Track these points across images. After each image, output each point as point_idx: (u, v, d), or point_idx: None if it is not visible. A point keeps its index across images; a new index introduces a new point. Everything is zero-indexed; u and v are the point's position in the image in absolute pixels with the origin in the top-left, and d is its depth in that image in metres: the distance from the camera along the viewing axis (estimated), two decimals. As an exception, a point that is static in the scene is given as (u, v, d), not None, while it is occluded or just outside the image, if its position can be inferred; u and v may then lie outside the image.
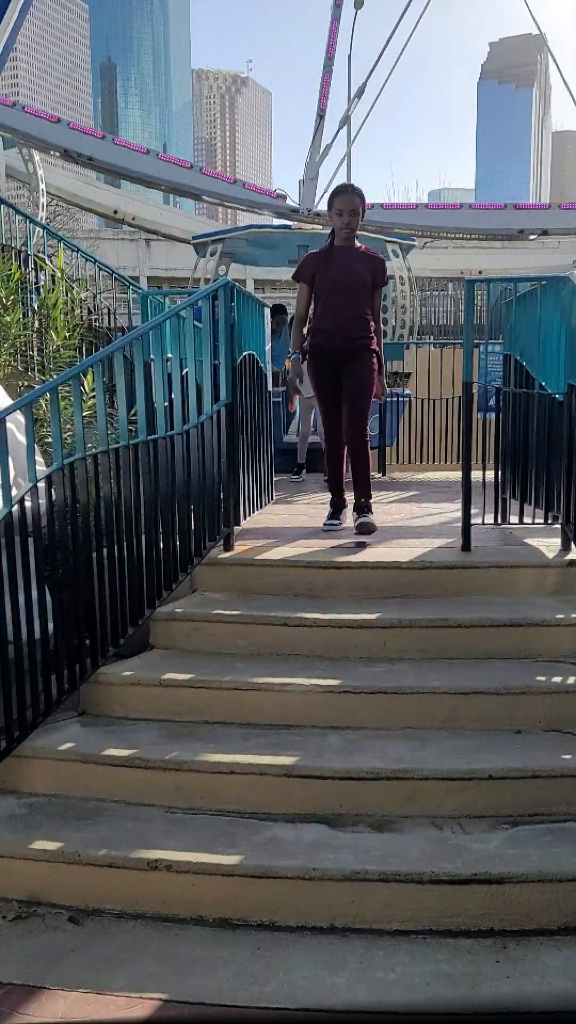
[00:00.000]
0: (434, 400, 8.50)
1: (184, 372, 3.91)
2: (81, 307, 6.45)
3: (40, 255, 6.89)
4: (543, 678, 3.44)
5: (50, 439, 3.76)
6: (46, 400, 3.86)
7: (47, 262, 6.57)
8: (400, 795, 3.04)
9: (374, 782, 3.05)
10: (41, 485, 3.26)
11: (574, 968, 2.54)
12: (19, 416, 3.42)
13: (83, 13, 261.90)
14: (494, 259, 17.67)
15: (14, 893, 2.89)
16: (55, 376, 5.69)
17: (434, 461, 8.22)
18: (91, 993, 2.49)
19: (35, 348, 5.82)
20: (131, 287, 7.71)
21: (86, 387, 4.33)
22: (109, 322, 7.64)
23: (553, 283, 4.26)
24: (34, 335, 5.76)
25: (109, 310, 7.97)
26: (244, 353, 4.43)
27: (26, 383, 5.91)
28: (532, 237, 12.02)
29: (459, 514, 5.20)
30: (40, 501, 3.25)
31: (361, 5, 18.02)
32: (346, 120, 12.21)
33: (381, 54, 11.81)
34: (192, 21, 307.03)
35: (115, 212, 17.94)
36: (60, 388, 3.32)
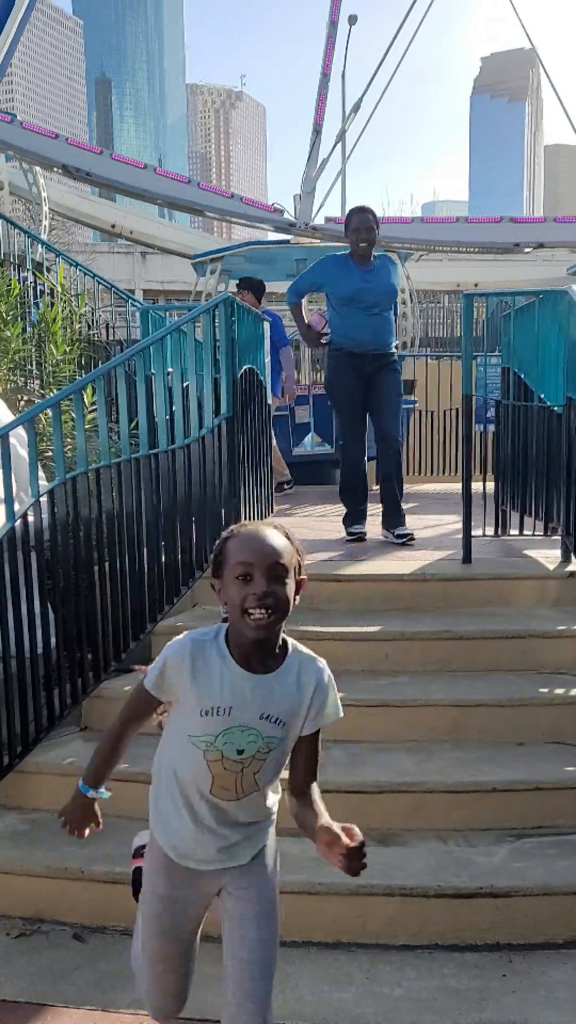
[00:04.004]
0: (431, 412, 8.53)
1: (185, 386, 3.93)
2: (80, 321, 6.48)
3: (38, 271, 6.92)
4: (545, 690, 3.45)
5: (49, 453, 3.78)
6: (46, 415, 3.88)
7: (47, 277, 6.60)
8: (405, 808, 3.04)
9: (378, 795, 3.05)
10: (43, 500, 3.26)
11: (580, 982, 2.54)
12: (21, 431, 3.43)
13: (77, 28, 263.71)
14: (490, 272, 17.77)
15: (18, 910, 2.88)
16: (54, 390, 5.73)
17: (432, 473, 8.24)
18: (97, 1010, 2.48)
19: (34, 362, 5.83)
20: (130, 301, 7.74)
21: (86, 401, 4.34)
22: (107, 336, 7.66)
23: (551, 296, 4.29)
24: (34, 349, 5.78)
25: (107, 324, 7.99)
26: (244, 367, 4.45)
27: (26, 398, 5.92)
28: (527, 250, 12.09)
29: (458, 526, 5.23)
30: (43, 516, 3.26)
31: (355, 21, 18.21)
32: (342, 135, 12.31)
33: (378, 69, 11.91)
34: (186, 36, 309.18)
35: (112, 226, 18.01)
36: (61, 403, 3.34)
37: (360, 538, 4.84)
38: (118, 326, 7.94)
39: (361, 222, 4.81)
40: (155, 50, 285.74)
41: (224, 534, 1.81)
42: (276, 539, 1.74)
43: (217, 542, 1.81)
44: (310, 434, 8.33)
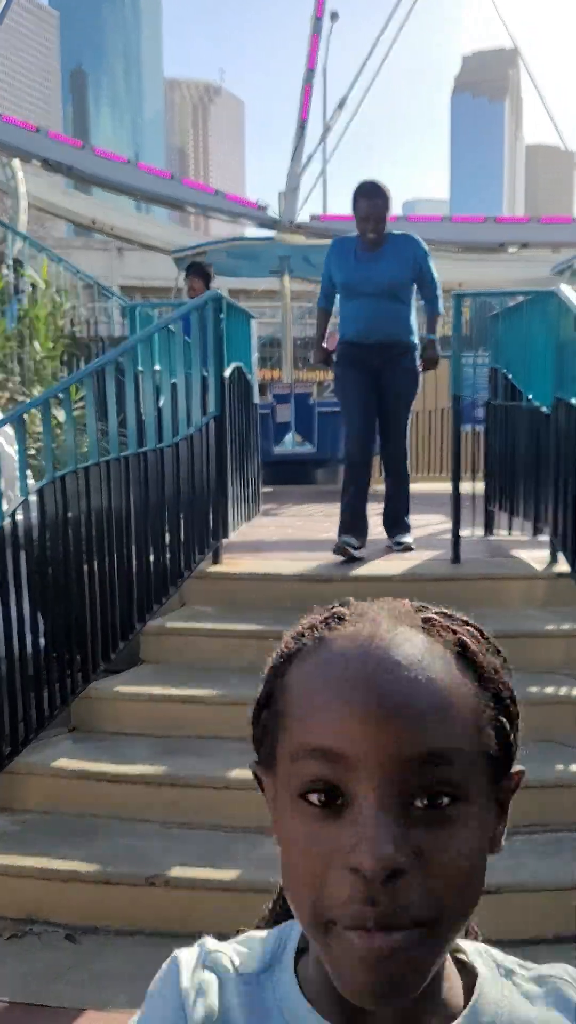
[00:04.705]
0: (416, 412, 8.53)
1: (172, 383, 3.91)
2: (63, 318, 6.43)
3: (21, 266, 6.85)
4: (535, 689, 3.47)
5: (31, 452, 3.75)
6: (29, 414, 3.84)
7: (33, 274, 6.54)
8: (396, 808, 3.04)
9: (370, 795, 3.06)
10: (32, 499, 3.24)
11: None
12: (8, 429, 3.41)
13: (53, 20, 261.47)
14: (472, 271, 17.83)
15: (9, 911, 2.86)
16: (37, 388, 5.69)
17: (415, 472, 8.25)
18: (92, 1010, 2.47)
19: (17, 359, 5.78)
20: (113, 298, 7.69)
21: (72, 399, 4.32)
22: (88, 332, 7.61)
23: (540, 298, 4.32)
24: (17, 346, 5.73)
25: (88, 321, 7.94)
26: (232, 365, 4.44)
27: (7, 395, 5.87)
28: (511, 250, 12.15)
29: (444, 526, 5.26)
30: (32, 514, 3.23)
31: (337, 18, 18.19)
32: (327, 132, 12.33)
33: (363, 66, 11.92)
34: (164, 30, 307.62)
35: (93, 222, 17.84)
36: (50, 401, 3.32)
37: (345, 551, 4.23)
38: (101, 322, 7.87)
39: (370, 209, 4.26)
40: (132, 43, 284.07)
41: (286, 641, 0.63)
42: (424, 668, 0.55)
43: (271, 663, 0.62)
44: (290, 433, 8.32)
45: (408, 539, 4.47)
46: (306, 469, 8.29)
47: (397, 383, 4.43)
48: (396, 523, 4.55)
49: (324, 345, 4.78)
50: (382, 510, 4.67)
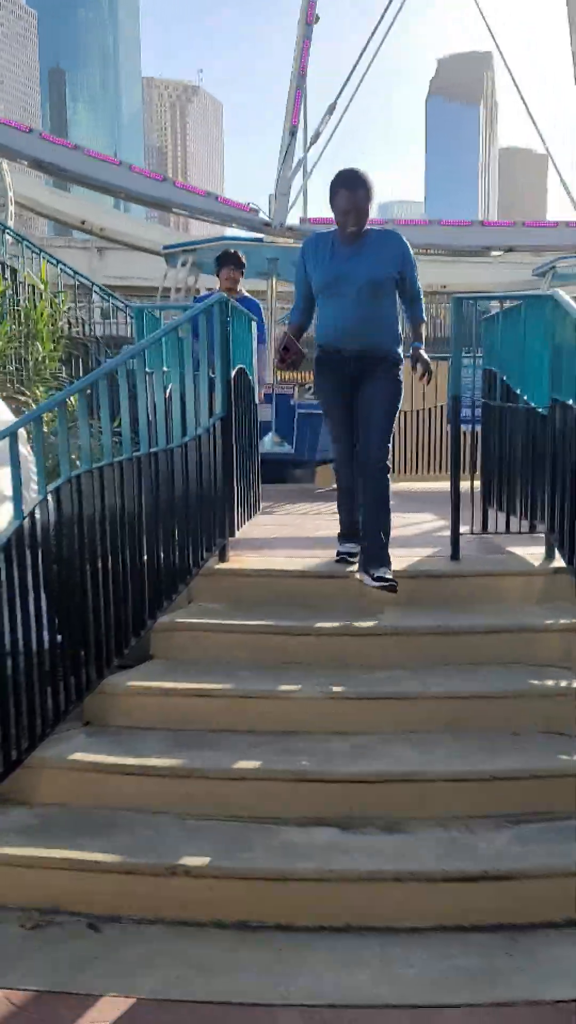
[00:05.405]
0: (404, 412, 8.65)
1: (183, 385, 3.98)
2: (62, 318, 6.47)
3: (20, 268, 6.88)
4: (537, 682, 3.58)
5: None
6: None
7: (31, 274, 6.58)
8: (408, 797, 3.14)
9: (382, 785, 3.15)
10: (49, 498, 3.30)
11: (582, 958, 2.67)
12: (21, 430, 3.46)
13: (31, 19, 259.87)
14: (456, 274, 18.02)
15: (32, 902, 2.92)
16: (38, 388, 5.74)
17: (405, 472, 8.37)
18: (120, 997, 2.54)
19: (18, 360, 5.81)
20: (111, 299, 7.73)
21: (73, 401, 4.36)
22: (83, 332, 7.65)
23: (536, 301, 4.42)
24: (19, 347, 5.77)
25: (82, 320, 7.98)
26: (236, 366, 4.51)
27: (4, 395, 5.90)
28: (495, 254, 12.33)
29: (437, 523, 5.37)
30: (49, 514, 3.29)
31: (317, 20, 18.36)
32: (317, 136, 12.41)
33: (352, 70, 12.05)
34: (142, 29, 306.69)
35: (83, 222, 17.83)
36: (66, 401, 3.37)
37: (345, 559, 4.22)
38: (95, 322, 7.92)
39: (351, 201, 3.87)
40: (110, 42, 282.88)
41: None
42: None
43: None
44: (270, 433, 8.39)
45: (389, 573, 3.86)
46: (283, 468, 8.38)
47: (378, 397, 4.00)
48: (374, 555, 3.93)
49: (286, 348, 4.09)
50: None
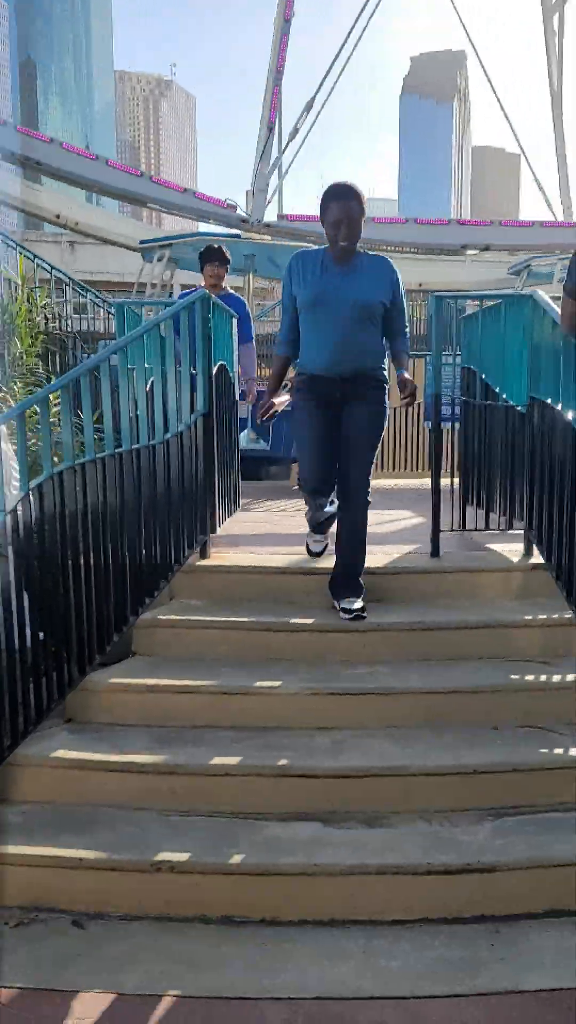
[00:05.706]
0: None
1: (164, 381, 3.97)
2: (39, 314, 6.42)
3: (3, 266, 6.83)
4: (516, 677, 3.62)
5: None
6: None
7: (8, 269, 6.53)
8: (390, 791, 3.16)
9: (365, 780, 3.17)
10: (31, 495, 3.27)
11: (562, 948, 2.71)
12: (2, 427, 3.44)
13: (2, 11, 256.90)
14: (432, 272, 18.11)
15: (15, 900, 2.91)
16: (17, 384, 5.70)
17: (382, 468, 8.40)
18: (105, 993, 2.54)
19: (-5, 355, 5.78)
20: (90, 295, 7.69)
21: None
22: (60, 327, 7.60)
23: (516, 300, 4.47)
24: (-4, 342, 5.73)
25: (58, 315, 7.93)
26: (218, 363, 4.51)
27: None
28: (471, 252, 12.43)
29: (415, 520, 5.42)
30: (31, 510, 3.27)
31: (294, 15, 18.35)
32: (295, 133, 12.43)
33: (331, 67, 12.07)
34: (114, 22, 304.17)
35: (57, 216, 17.68)
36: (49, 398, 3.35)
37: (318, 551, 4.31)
38: (71, 317, 7.87)
39: (343, 212, 3.73)
40: (82, 34, 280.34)
41: None
42: None
43: None
44: (246, 429, 8.40)
45: (360, 604, 3.86)
46: (259, 466, 8.37)
47: (363, 424, 3.90)
48: (347, 584, 3.93)
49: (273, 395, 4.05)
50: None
